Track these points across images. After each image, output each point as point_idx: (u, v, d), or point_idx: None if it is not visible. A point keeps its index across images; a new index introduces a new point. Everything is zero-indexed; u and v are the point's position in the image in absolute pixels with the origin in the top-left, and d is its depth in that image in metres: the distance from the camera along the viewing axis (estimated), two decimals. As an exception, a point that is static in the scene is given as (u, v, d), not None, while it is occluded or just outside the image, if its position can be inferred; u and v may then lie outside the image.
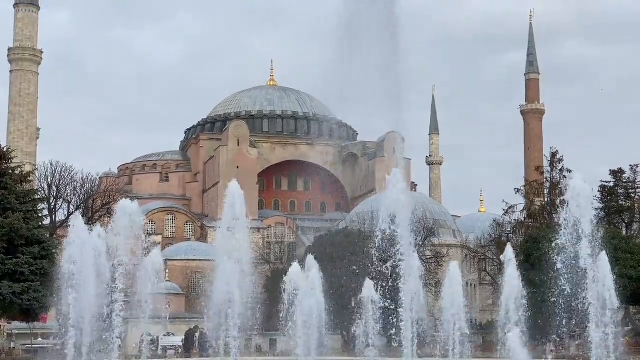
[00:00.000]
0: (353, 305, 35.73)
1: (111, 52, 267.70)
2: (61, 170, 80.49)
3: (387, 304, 33.99)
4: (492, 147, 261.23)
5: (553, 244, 33.16)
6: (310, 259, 36.59)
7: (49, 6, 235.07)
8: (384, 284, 34.00)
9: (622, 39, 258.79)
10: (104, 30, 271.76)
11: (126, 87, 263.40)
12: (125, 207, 34.27)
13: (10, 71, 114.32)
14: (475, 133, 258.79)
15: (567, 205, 33.14)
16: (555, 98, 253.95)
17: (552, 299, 33.19)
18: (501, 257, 37.18)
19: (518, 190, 79.46)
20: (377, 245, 34.40)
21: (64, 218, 77.05)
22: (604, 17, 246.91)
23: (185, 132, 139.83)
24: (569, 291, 32.45)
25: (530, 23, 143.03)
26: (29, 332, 67.37)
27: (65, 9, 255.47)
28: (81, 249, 32.59)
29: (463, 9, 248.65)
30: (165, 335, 66.37)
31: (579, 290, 32.14)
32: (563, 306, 32.91)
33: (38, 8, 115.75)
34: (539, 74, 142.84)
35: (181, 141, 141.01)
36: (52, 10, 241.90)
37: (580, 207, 32.81)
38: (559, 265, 32.82)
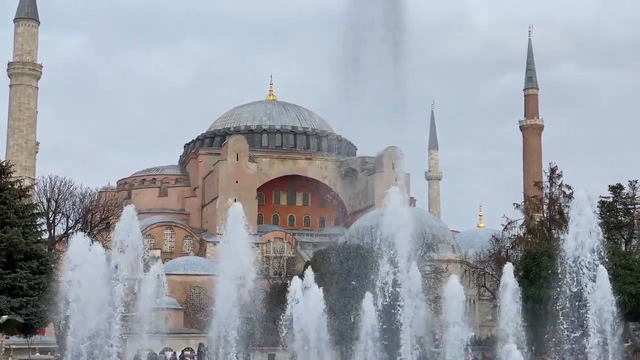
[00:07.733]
0: (352, 320, 35.63)
1: (119, 73, 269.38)
2: (60, 185, 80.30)
3: (386, 319, 33.89)
4: (491, 163, 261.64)
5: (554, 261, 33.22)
6: (310, 274, 36.57)
7: (66, 29, 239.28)
8: (383, 300, 33.91)
9: (617, 63, 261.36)
10: (114, 52, 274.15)
11: (130, 107, 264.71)
12: (127, 216, 34.10)
13: (10, 85, 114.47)
14: (474, 150, 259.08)
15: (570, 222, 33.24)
16: (553, 117, 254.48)
17: (552, 312, 33.20)
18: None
19: (517, 206, 79.22)
20: (376, 260, 34.37)
21: (62, 233, 76.91)
22: (599, 41, 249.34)
23: (184, 146, 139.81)
24: (568, 306, 32.42)
25: (529, 39, 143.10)
26: (27, 346, 67.16)
27: (81, 33, 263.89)
28: (81, 264, 32.55)
29: (463, 34, 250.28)
30: (162, 352, 66.10)
31: (579, 305, 32.11)
32: (562, 321, 32.85)
33: (38, 23, 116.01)
34: (538, 89, 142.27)
35: (180, 156, 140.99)
36: (69, 33, 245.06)
37: (581, 224, 32.89)
38: (558, 281, 32.83)
